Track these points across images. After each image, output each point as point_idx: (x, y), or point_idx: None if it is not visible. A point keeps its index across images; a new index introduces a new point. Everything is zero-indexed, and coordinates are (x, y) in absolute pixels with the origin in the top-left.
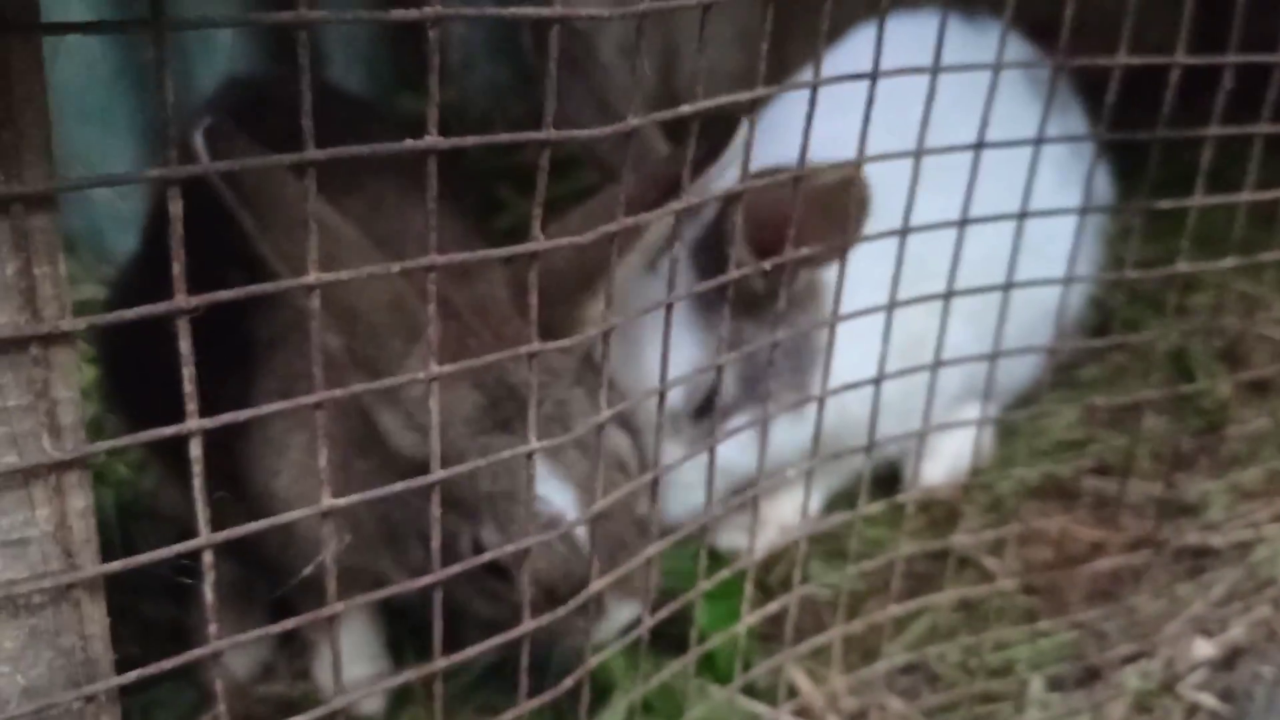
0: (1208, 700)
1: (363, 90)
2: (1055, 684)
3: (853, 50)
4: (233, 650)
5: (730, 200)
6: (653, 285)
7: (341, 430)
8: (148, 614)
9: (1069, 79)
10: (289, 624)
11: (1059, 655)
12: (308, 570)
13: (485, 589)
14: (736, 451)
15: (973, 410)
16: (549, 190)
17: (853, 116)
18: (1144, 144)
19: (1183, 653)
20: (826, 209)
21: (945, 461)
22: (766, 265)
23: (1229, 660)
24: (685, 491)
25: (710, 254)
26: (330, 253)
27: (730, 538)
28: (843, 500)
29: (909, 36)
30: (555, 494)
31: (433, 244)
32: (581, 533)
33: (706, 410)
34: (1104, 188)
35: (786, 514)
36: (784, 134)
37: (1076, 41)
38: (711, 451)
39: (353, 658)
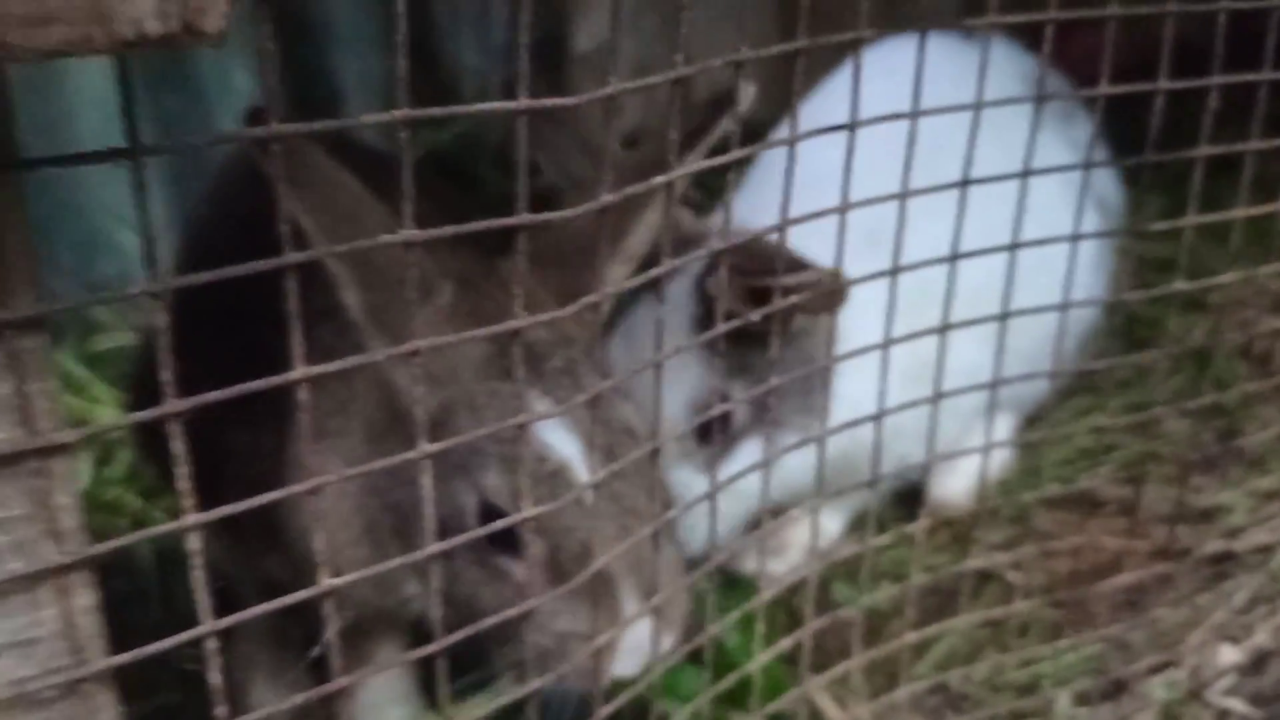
0: (1237, 706)
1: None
2: (1082, 699)
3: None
4: (269, 697)
5: (712, 262)
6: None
7: (362, 427)
8: (193, 669)
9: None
10: (306, 695)
11: (1084, 669)
12: (315, 651)
13: (490, 567)
14: (751, 477)
15: (996, 424)
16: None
17: (865, 143)
18: (1166, 140)
19: (1209, 660)
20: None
21: (965, 477)
22: (742, 320)
23: (1256, 665)
24: (702, 519)
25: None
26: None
27: (754, 562)
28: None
29: (912, 58)
30: (561, 442)
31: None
32: (589, 494)
33: (711, 432)
34: (1113, 193)
35: (809, 538)
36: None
37: (1081, 35)
38: (713, 497)
39: (385, 699)
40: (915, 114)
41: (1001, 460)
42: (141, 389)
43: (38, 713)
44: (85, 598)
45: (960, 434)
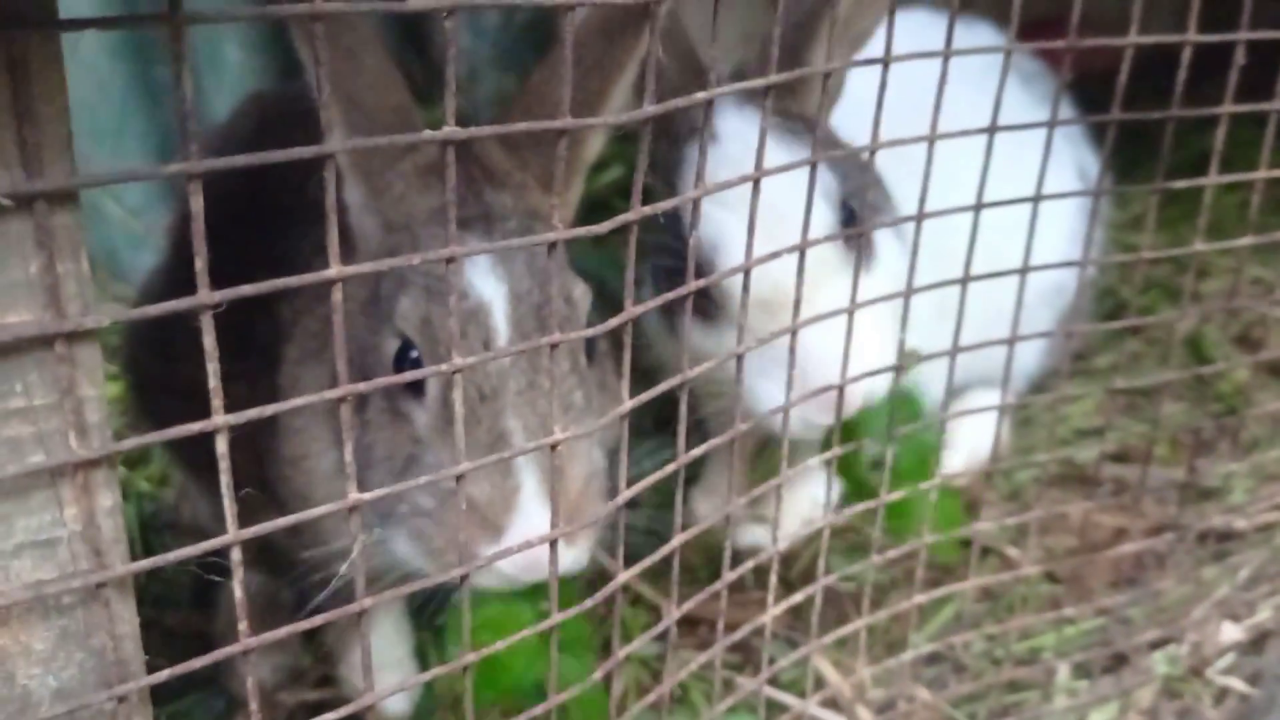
0: (1236, 684)
1: None
2: (1082, 671)
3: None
4: (260, 657)
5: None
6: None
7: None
8: (172, 625)
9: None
10: (318, 620)
11: (1085, 642)
12: (341, 571)
13: (396, 412)
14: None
15: (986, 397)
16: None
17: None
18: (1156, 132)
19: (1210, 637)
20: None
21: (964, 450)
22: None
23: (1257, 644)
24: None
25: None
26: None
27: (751, 535)
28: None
29: (903, 32)
30: (487, 286)
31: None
32: (503, 328)
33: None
34: (1093, 164)
35: (805, 508)
36: None
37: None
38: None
39: (380, 663)
40: (947, 54)
41: (999, 439)
42: (137, 355)
43: (55, 619)
44: (108, 498)
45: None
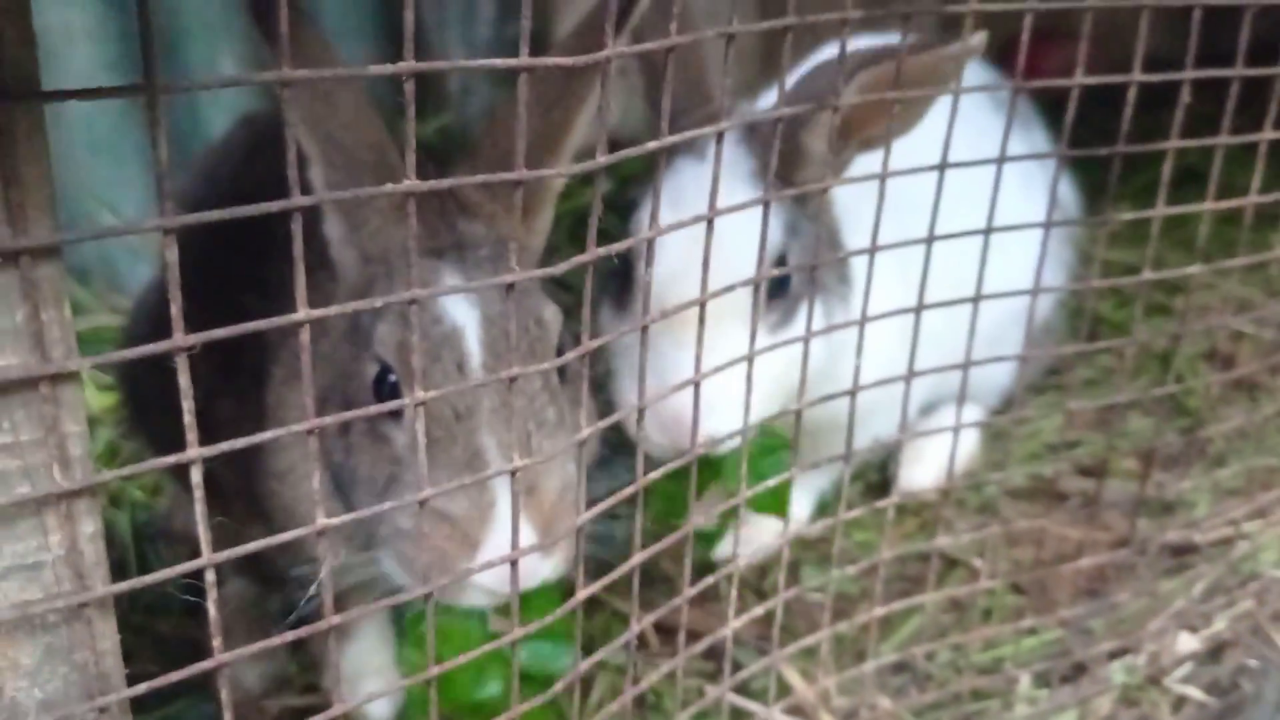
0: (1194, 693)
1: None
2: (1043, 680)
3: None
4: (247, 664)
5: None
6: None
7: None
8: (164, 632)
9: (1031, 96)
10: (289, 636)
11: (1046, 652)
12: (310, 592)
13: (376, 435)
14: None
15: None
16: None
17: None
18: (1108, 156)
19: (1168, 647)
20: None
21: (931, 466)
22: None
23: (1214, 654)
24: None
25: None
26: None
27: (726, 547)
28: (834, 504)
29: None
30: (460, 312)
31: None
32: (475, 350)
33: (777, 292)
34: (1068, 193)
35: (775, 522)
36: None
37: (1055, 50)
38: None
39: (363, 670)
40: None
41: (968, 452)
42: (131, 365)
43: (41, 636)
44: (90, 525)
45: (916, 423)
